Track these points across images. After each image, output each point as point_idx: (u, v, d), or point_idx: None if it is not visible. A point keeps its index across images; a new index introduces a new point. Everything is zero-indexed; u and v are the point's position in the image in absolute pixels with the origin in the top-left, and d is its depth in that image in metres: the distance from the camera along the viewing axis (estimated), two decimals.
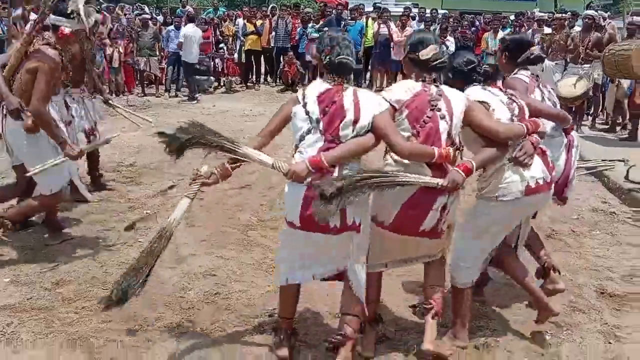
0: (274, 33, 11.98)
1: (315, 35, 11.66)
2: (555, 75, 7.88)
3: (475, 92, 2.91)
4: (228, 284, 3.60)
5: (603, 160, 6.29)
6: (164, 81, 11.58)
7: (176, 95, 11.32)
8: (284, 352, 2.77)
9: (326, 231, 2.57)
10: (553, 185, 2.98)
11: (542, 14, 9.84)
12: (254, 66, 12.47)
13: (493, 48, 10.15)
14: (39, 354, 2.76)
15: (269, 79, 12.84)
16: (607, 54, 6.94)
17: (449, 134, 2.67)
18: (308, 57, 11.84)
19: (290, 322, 2.90)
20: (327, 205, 2.40)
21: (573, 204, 4.97)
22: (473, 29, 11.75)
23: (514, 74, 3.28)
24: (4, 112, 3.59)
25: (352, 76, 12.09)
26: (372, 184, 2.49)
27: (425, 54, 2.70)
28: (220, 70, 12.23)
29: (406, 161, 2.62)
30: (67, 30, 3.60)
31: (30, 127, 3.55)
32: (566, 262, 4.01)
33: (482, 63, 3.27)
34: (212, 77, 11.97)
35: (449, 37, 10.46)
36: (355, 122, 2.56)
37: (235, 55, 12.40)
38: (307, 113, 2.59)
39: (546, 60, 8.24)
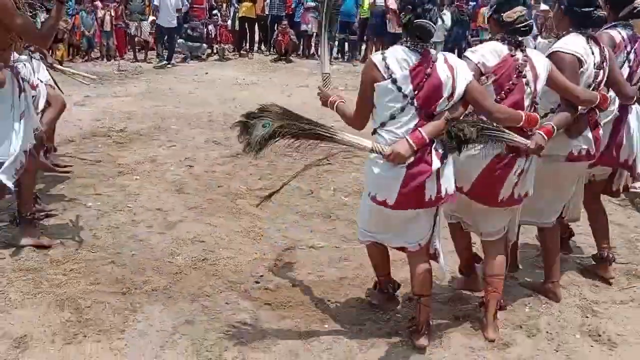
0: (268, 1, 11.80)
1: (312, 4, 11.52)
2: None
3: (578, 44, 2.84)
4: (216, 250, 3.64)
5: None
6: (155, 46, 11.42)
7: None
8: (423, 341, 2.68)
9: (422, 206, 2.50)
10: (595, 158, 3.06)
11: None
12: (248, 34, 12.32)
13: None
14: (27, 314, 2.79)
15: (262, 47, 12.70)
16: None
17: (533, 100, 2.68)
18: (303, 27, 11.72)
19: (389, 277, 3.01)
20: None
21: None
22: (473, 3, 11.63)
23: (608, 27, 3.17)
24: None
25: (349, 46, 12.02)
26: (490, 135, 2.48)
27: (509, 16, 2.60)
28: (213, 37, 12.07)
29: None
30: None
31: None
32: None
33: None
34: (204, 44, 11.81)
35: (445, 11, 10.36)
36: (452, 95, 2.45)
37: (229, 22, 12.23)
38: (399, 90, 2.38)
39: (539, 38, 8.22)
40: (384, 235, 2.70)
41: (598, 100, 2.88)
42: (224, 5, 12.26)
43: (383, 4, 11.03)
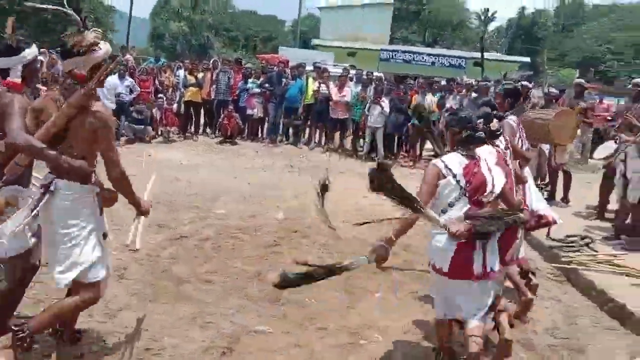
0: (215, 86, 12.09)
1: (257, 90, 11.90)
2: None
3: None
4: (160, 339, 3.47)
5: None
6: None
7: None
8: None
9: (470, 277, 3.06)
10: None
11: (469, 80, 10.56)
12: (194, 117, 12.47)
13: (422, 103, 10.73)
14: None
15: (207, 130, 12.85)
16: (524, 120, 7.47)
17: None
18: (249, 111, 12.01)
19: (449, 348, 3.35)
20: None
21: None
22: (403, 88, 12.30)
23: None
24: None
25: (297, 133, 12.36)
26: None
27: (494, 125, 3.61)
28: (158, 119, 12.12)
29: None
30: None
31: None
32: None
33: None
34: (149, 127, 11.82)
35: (383, 98, 10.94)
36: (492, 192, 3.14)
37: (175, 106, 12.36)
38: (458, 183, 3.09)
39: None
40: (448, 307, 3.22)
41: None
42: (170, 89, 12.44)
43: (327, 92, 11.54)
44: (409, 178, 9.73)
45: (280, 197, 7.48)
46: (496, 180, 3.16)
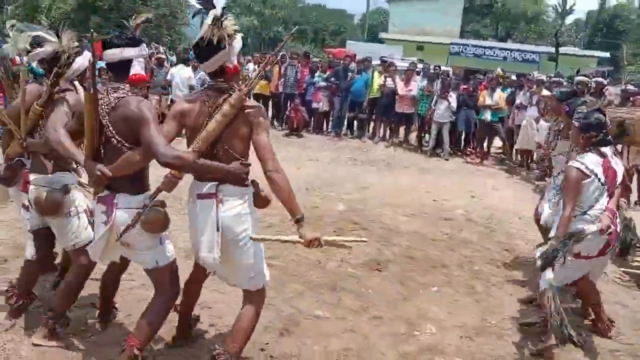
0: (282, 79, 12.36)
1: (323, 84, 12.05)
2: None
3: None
4: (224, 316, 3.68)
5: None
6: None
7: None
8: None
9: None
10: None
11: (541, 76, 10.20)
12: None
13: (490, 103, 10.50)
14: None
15: (275, 122, 13.16)
16: None
17: None
18: (314, 105, 12.18)
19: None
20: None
21: None
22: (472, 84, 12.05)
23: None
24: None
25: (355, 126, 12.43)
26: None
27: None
28: None
29: None
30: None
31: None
32: None
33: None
34: None
35: (451, 93, 10.78)
36: (620, 182, 3.66)
37: None
38: (599, 181, 3.54)
39: (541, 121, 8.50)
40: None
41: None
42: (240, 82, 12.82)
43: (393, 86, 11.51)
44: (475, 175, 9.61)
45: (343, 189, 7.60)
46: (619, 171, 3.65)
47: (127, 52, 2.75)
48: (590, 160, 3.57)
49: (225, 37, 2.65)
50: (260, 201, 2.92)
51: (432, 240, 5.72)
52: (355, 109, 12.06)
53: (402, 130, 12.13)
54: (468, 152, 11.44)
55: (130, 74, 2.91)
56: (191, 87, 11.02)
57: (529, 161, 10.29)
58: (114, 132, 2.68)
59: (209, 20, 2.62)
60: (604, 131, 3.62)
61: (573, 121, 3.80)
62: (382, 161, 10.11)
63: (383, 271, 4.78)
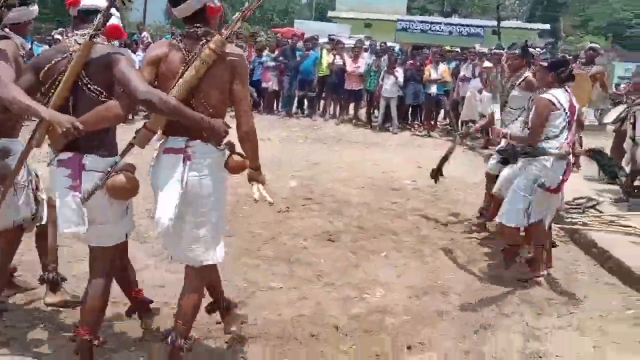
0: None
1: (272, 63, 12.03)
2: (492, 105, 8.39)
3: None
4: (177, 294, 3.72)
5: None
6: None
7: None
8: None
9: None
10: None
11: (483, 49, 10.52)
12: None
13: (435, 77, 10.73)
14: None
15: None
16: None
17: None
18: (264, 84, 12.15)
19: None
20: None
21: None
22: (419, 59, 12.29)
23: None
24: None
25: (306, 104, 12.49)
26: None
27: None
28: None
29: None
30: None
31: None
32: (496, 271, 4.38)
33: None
34: None
35: (398, 69, 10.98)
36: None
37: None
38: (566, 114, 3.92)
39: (484, 92, 8.81)
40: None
41: None
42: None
43: (341, 64, 11.61)
44: (422, 147, 9.88)
45: (294, 166, 7.69)
46: (577, 107, 4.09)
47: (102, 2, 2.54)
48: (559, 95, 3.92)
49: None
50: (234, 165, 2.61)
51: (382, 210, 5.91)
52: (304, 87, 12.12)
53: (351, 106, 12.29)
54: (416, 126, 11.73)
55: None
56: None
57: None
58: (89, 79, 2.45)
59: None
60: (569, 67, 4.03)
61: (541, 63, 4.14)
62: (333, 138, 10.25)
63: (335, 241, 4.92)
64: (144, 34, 13.89)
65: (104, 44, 2.54)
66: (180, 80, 2.44)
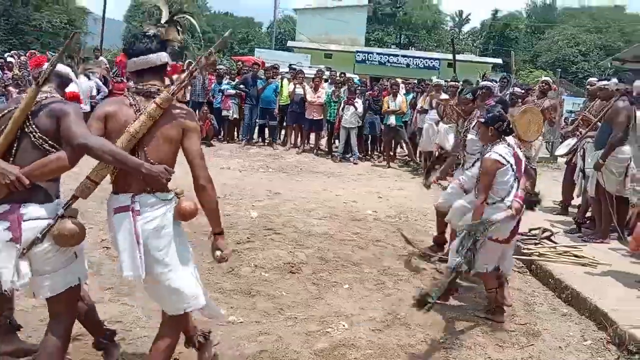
0: (190, 87, 12.15)
1: (232, 91, 11.99)
2: (448, 136, 8.57)
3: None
4: (134, 329, 3.59)
5: None
6: None
7: None
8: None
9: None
10: None
11: (440, 81, 10.81)
12: None
13: (393, 108, 10.92)
14: None
15: None
16: None
17: None
18: (224, 112, 12.08)
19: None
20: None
21: None
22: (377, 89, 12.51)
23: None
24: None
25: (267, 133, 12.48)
26: None
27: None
28: None
29: None
30: None
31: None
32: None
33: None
34: None
35: (357, 99, 11.14)
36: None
37: None
38: (513, 169, 3.91)
39: (441, 123, 9.00)
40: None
41: None
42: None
43: (302, 93, 11.69)
44: (382, 177, 9.98)
45: (255, 196, 7.62)
46: (523, 159, 4.06)
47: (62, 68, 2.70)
48: (502, 150, 3.92)
49: (176, 39, 2.60)
50: (183, 211, 2.60)
51: (343, 241, 5.89)
52: (265, 116, 12.11)
53: (312, 136, 12.34)
54: (375, 156, 11.86)
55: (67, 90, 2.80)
56: (92, 97, 10.56)
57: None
58: (35, 127, 2.43)
59: (163, 16, 2.53)
60: (507, 121, 4.02)
61: (479, 119, 4.14)
62: (294, 167, 10.24)
63: (296, 273, 4.85)
64: (101, 59, 13.65)
65: (54, 96, 2.56)
66: (126, 133, 2.45)
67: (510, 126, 4.06)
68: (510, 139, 4.06)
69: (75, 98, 2.69)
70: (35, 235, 2.41)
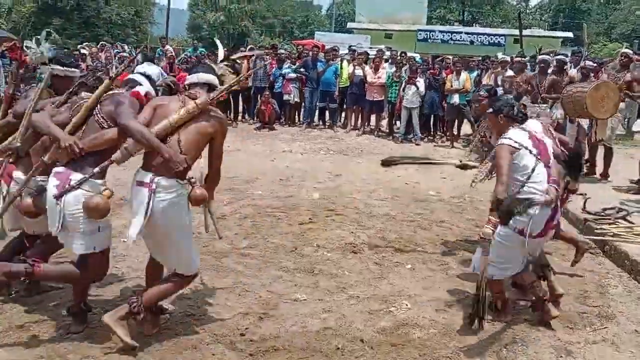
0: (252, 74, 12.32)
1: (293, 75, 12.07)
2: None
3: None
4: (202, 306, 3.73)
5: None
6: None
7: None
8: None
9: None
10: None
11: (505, 57, 10.40)
12: (232, 104, 12.76)
13: (456, 87, 10.66)
14: None
15: (246, 116, 13.15)
16: (564, 94, 7.39)
17: None
18: (285, 97, 12.19)
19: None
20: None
21: None
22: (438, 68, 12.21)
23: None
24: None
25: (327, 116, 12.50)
26: None
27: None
28: None
29: None
30: None
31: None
32: None
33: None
34: None
35: (419, 78, 10.92)
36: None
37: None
38: (531, 152, 3.51)
39: None
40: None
41: None
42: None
43: (361, 75, 11.59)
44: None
45: (317, 178, 7.67)
46: (549, 145, 3.68)
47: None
48: (516, 134, 3.58)
49: (228, 75, 3.41)
50: (195, 197, 3.13)
51: (405, 221, 5.83)
52: (326, 99, 12.11)
53: (373, 118, 12.24)
54: (439, 136, 11.62)
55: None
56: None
57: None
58: (100, 110, 3.15)
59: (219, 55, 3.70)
60: (514, 107, 3.70)
61: (487, 112, 3.90)
62: (355, 149, 10.21)
63: (358, 253, 4.87)
64: (167, 47, 14.09)
65: (121, 92, 3.28)
66: (165, 120, 3.06)
67: (521, 112, 3.71)
68: (531, 124, 3.73)
69: (136, 97, 3.26)
70: (76, 201, 2.98)
